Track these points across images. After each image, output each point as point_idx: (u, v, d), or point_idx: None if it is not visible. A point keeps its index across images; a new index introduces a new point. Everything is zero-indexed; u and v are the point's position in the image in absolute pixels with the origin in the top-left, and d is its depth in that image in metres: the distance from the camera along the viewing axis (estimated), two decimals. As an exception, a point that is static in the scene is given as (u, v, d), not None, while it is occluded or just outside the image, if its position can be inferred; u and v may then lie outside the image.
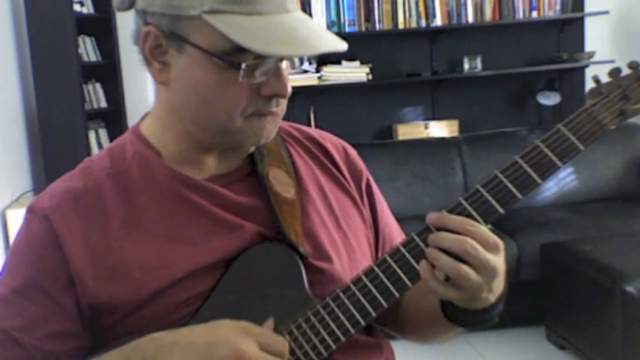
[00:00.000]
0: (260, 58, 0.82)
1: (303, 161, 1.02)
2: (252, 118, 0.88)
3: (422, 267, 0.85)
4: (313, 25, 0.85)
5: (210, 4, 0.80)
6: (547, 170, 0.85)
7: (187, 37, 0.84)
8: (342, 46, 0.85)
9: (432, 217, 0.85)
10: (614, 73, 0.87)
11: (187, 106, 0.89)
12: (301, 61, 0.91)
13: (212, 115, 0.87)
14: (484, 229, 0.83)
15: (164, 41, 0.86)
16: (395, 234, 1.09)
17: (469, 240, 0.82)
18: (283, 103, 0.90)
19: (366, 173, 1.08)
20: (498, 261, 0.83)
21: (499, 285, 0.86)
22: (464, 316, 0.90)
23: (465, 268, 0.81)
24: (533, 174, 0.85)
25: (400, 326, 1.07)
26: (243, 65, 0.82)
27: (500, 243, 0.84)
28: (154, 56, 0.88)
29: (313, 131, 1.08)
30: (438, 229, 0.85)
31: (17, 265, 0.91)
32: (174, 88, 0.89)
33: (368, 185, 1.07)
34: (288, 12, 0.83)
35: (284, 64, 0.87)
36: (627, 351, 2.50)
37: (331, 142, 1.07)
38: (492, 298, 0.87)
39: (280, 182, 0.96)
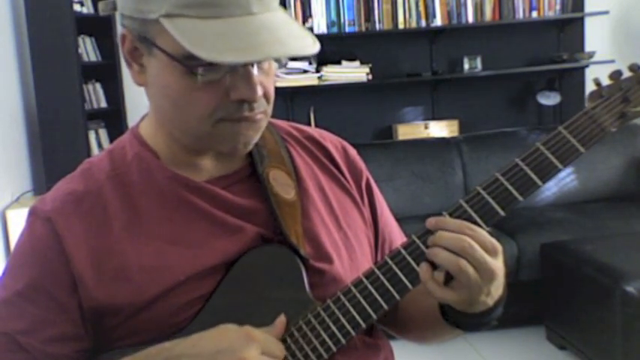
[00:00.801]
0: (214, 63, 0.80)
1: (304, 161, 1.02)
2: (223, 124, 0.86)
3: (421, 268, 0.85)
4: (280, 27, 0.81)
5: (167, 8, 0.79)
6: (548, 173, 0.85)
7: (154, 40, 0.83)
8: (306, 49, 0.81)
9: (431, 221, 0.85)
10: (615, 75, 0.87)
11: (162, 109, 0.90)
12: (281, 64, 0.89)
13: (183, 119, 0.87)
14: (482, 232, 0.84)
15: (137, 44, 0.86)
16: (395, 233, 1.09)
17: (467, 238, 0.82)
18: (262, 107, 0.87)
19: (365, 173, 1.07)
20: (496, 264, 0.83)
21: (497, 288, 0.86)
22: (462, 319, 0.90)
23: (464, 261, 0.81)
24: (533, 176, 0.85)
25: (400, 326, 1.07)
26: (200, 69, 0.81)
27: (499, 246, 0.84)
28: (133, 58, 0.88)
29: (313, 131, 1.08)
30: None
31: (20, 267, 0.91)
32: (150, 91, 0.90)
33: (368, 184, 1.07)
34: (251, 15, 0.79)
35: (255, 69, 0.84)
36: (627, 351, 2.50)
37: (331, 141, 1.07)
38: (491, 301, 0.87)
39: (280, 183, 0.95)
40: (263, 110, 0.88)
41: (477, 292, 0.84)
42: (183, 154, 0.93)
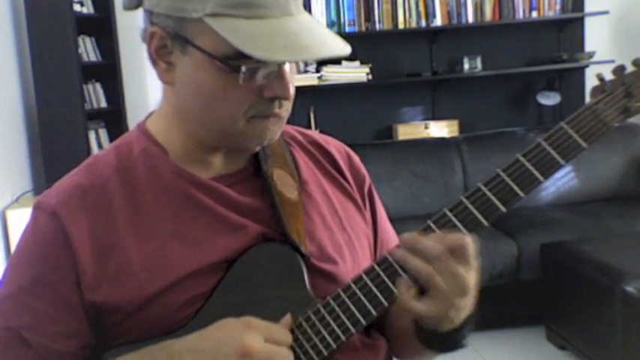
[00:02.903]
0: (261, 62, 0.82)
1: (307, 165, 1.02)
2: (254, 120, 0.87)
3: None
4: (317, 29, 0.84)
5: (212, 8, 0.80)
6: (549, 168, 0.85)
7: (191, 39, 0.84)
8: (344, 50, 0.84)
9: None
10: (618, 70, 0.87)
11: (191, 106, 0.89)
12: (305, 64, 0.91)
13: (215, 117, 0.87)
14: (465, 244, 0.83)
15: (169, 42, 0.86)
16: (392, 240, 1.09)
17: (442, 248, 0.82)
18: (287, 105, 0.90)
19: (368, 179, 1.08)
20: (468, 277, 0.83)
21: (466, 306, 0.86)
22: (429, 338, 0.90)
23: (433, 271, 0.82)
24: (535, 172, 0.85)
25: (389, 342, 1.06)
26: (244, 69, 0.82)
27: (474, 263, 0.84)
28: (160, 56, 0.88)
29: (317, 135, 1.08)
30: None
31: (25, 262, 0.91)
32: (178, 89, 0.89)
33: (370, 191, 1.07)
34: (291, 15, 0.83)
35: (287, 67, 0.86)
36: (627, 351, 2.50)
37: (335, 146, 1.07)
38: (457, 319, 0.87)
39: (284, 183, 0.96)
40: (287, 107, 0.90)
41: (446, 305, 0.84)
42: (196, 151, 0.93)
